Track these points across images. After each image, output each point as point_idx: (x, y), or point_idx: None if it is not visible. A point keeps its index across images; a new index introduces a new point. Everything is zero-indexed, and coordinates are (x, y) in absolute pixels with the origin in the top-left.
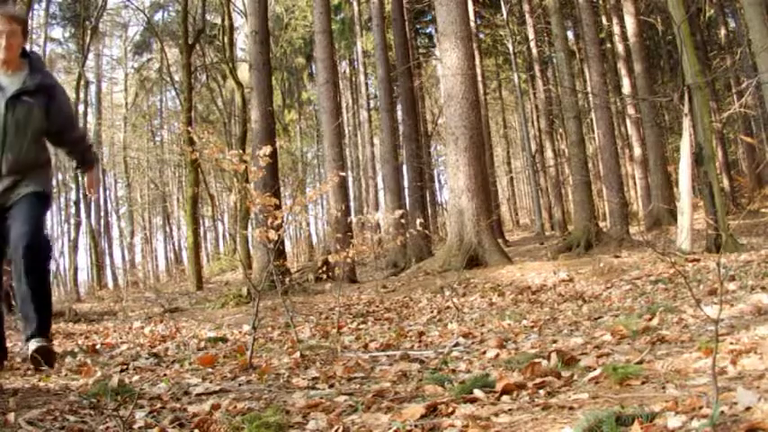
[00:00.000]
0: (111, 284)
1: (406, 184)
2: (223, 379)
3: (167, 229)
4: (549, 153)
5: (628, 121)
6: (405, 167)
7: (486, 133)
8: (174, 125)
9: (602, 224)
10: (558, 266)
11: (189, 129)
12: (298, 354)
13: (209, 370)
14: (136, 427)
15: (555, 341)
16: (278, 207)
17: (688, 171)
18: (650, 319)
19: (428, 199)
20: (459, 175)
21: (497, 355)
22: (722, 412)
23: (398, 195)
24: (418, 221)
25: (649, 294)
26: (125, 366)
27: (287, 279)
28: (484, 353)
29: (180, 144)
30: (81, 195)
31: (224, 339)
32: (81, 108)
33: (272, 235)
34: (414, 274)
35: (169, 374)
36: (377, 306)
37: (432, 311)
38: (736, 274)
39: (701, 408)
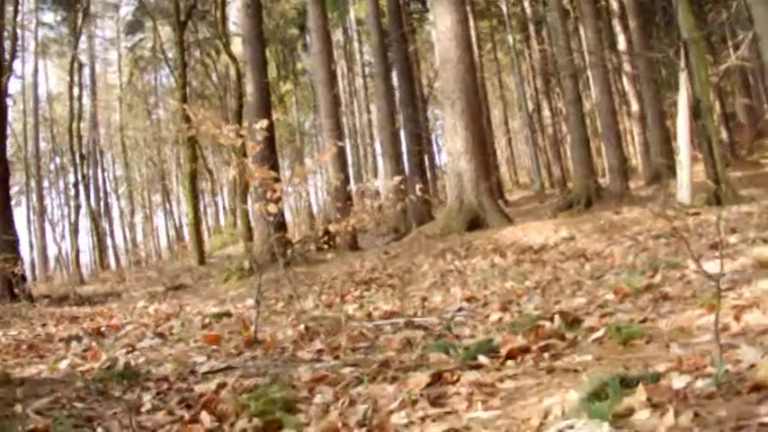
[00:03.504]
0: (113, 265)
1: (404, 149)
2: (228, 356)
3: (167, 206)
4: (546, 112)
5: (624, 78)
6: (402, 133)
7: (483, 95)
8: (170, 103)
9: (601, 180)
10: (558, 225)
11: (184, 106)
12: (302, 326)
13: (215, 347)
14: (143, 410)
15: (558, 302)
16: (277, 180)
17: (686, 125)
18: (653, 276)
19: (427, 163)
20: (457, 138)
21: (501, 319)
22: (726, 371)
23: (397, 161)
24: (418, 187)
25: (651, 250)
26: (131, 348)
27: (288, 250)
28: (487, 316)
29: (176, 121)
30: (80, 178)
31: (228, 314)
32: (76, 91)
33: (272, 208)
34: (415, 239)
35: (175, 354)
36: (379, 273)
37: (434, 276)
38: (737, 227)
39: (704, 367)
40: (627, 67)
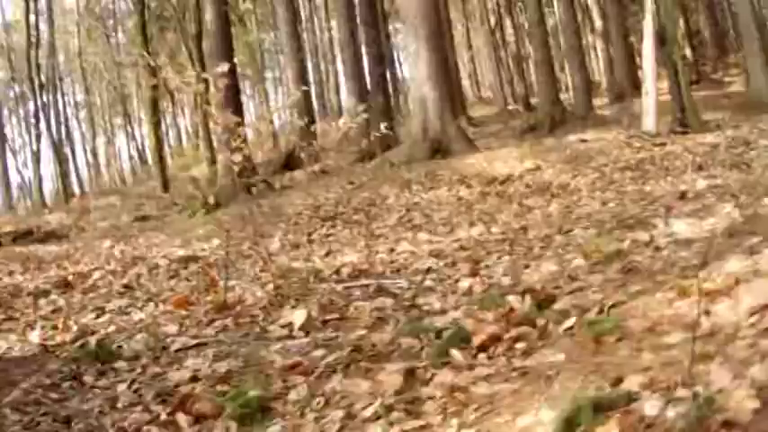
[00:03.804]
0: (77, 191)
1: (366, 69)
2: (199, 325)
3: (129, 129)
4: (509, 30)
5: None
6: (364, 52)
7: (444, 8)
8: (129, 25)
9: (564, 96)
10: (524, 154)
11: (145, 54)
12: (270, 286)
13: (184, 313)
14: (119, 405)
15: (527, 266)
16: (240, 125)
17: (652, 52)
18: (621, 240)
19: (390, 84)
20: (420, 63)
21: (471, 288)
22: (695, 394)
23: (359, 81)
24: (383, 126)
25: (617, 183)
26: (100, 311)
27: (252, 179)
28: (457, 281)
29: (135, 44)
30: (40, 106)
31: (195, 259)
32: (32, 18)
33: (237, 157)
34: (379, 166)
35: (145, 320)
36: (344, 206)
37: (399, 210)
38: (704, 162)
39: (677, 386)
40: None
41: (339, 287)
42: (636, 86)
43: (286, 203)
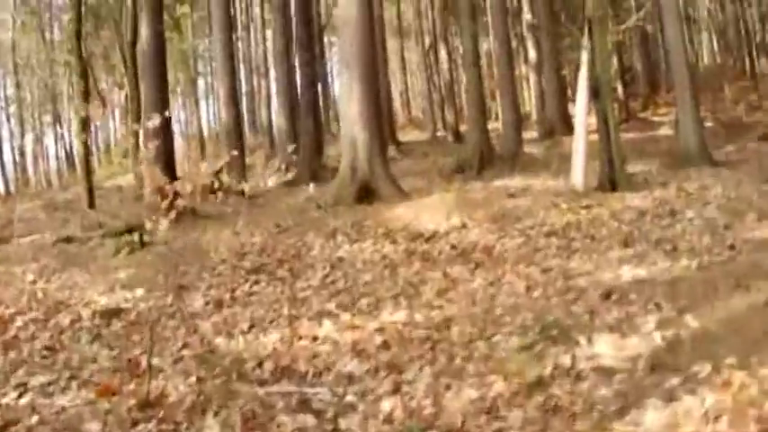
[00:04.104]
0: (2, 189)
1: (299, 88)
2: (122, 426)
3: (58, 128)
4: (443, 54)
5: (524, 23)
6: (298, 72)
7: (380, 26)
8: (65, 21)
9: (494, 126)
10: (450, 210)
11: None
12: (194, 378)
13: (107, 406)
14: None
15: (449, 387)
16: (173, 180)
17: (585, 106)
18: (543, 359)
19: (322, 100)
20: (353, 103)
21: (392, 413)
22: None
23: (290, 101)
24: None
25: (543, 250)
26: (23, 388)
27: (177, 201)
28: (379, 398)
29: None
30: None
31: (118, 313)
32: None
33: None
34: (306, 206)
35: (66, 413)
36: (269, 254)
37: (324, 266)
38: (629, 236)
39: None
40: (527, 15)
41: (262, 391)
42: (566, 122)
43: (211, 244)
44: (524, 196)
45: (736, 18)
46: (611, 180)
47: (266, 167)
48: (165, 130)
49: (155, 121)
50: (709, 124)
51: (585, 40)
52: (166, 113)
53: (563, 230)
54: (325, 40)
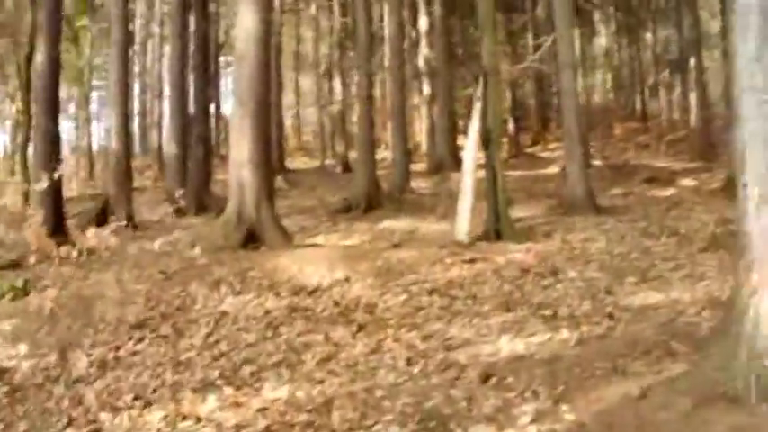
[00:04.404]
0: None
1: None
2: None
3: None
4: (337, 85)
5: (420, 56)
6: (192, 98)
7: (277, 51)
8: None
9: (384, 155)
10: (333, 262)
11: None
12: None
13: None
14: None
15: None
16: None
17: (473, 153)
18: None
19: (214, 123)
20: (244, 143)
21: None
22: None
23: (182, 125)
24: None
25: (425, 310)
26: None
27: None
28: None
29: None
30: None
31: (1, 373)
32: None
33: None
34: (191, 245)
35: None
36: (153, 307)
37: (208, 322)
38: (510, 299)
39: None
40: (425, 49)
41: None
42: (455, 158)
43: (96, 291)
44: (409, 246)
45: (631, 59)
46: (495, 229)
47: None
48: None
49: (42, 184)
50: (597, 162)
51: (479, 91)
52: (56, 175)
53: (446, 287)
54: (222, 59)
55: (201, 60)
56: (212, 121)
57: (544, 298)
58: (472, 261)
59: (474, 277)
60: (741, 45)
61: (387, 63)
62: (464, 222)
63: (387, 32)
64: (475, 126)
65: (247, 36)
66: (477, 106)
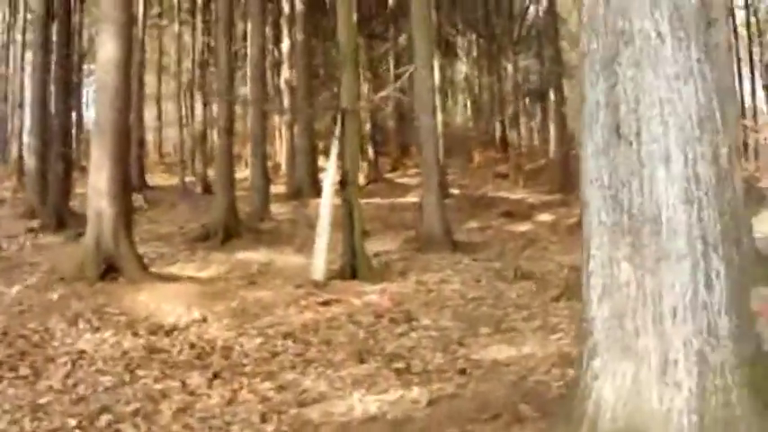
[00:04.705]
0: None
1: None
2: None
3: None
4: (198, 105)
5: (282, 77)
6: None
7: (140, 62)
8: None
9: (243, 175)
10: (191, 300)
11: None
12: None
13: None
14: None
15: None
16: None
17: (331, 192)
18: None
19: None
20: (103, 174)
21: None
22: None
23: (43, 138)
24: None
25: (281, 355)
26: None
27: None
28: None
29: None
30: None
31: None
32: None
33: None
34: (48, 275)
35: None
36: (11, 344)
37: (65, 362)
38: (363, 349)
39: None
40: (286, 72)
41: None
42: (314, 183)
43: None
44: (265, 283)
45: (491, 86)
46: (351, 267)
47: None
48: None
49: None
50: (455, 191)
51: (337, 131)
52: None
53: (301, 331)
54: (85, 67)
55: (63, 74)
56: (74, 129)
57: (398, 347)
58: (327, 303)
59: (329, 321)
60: (588, 139)
61: (248, 86)
62: (320, 261)
63: (249, 53)
64: (332, 166)
65: (108, 65)
66: (335, 146)
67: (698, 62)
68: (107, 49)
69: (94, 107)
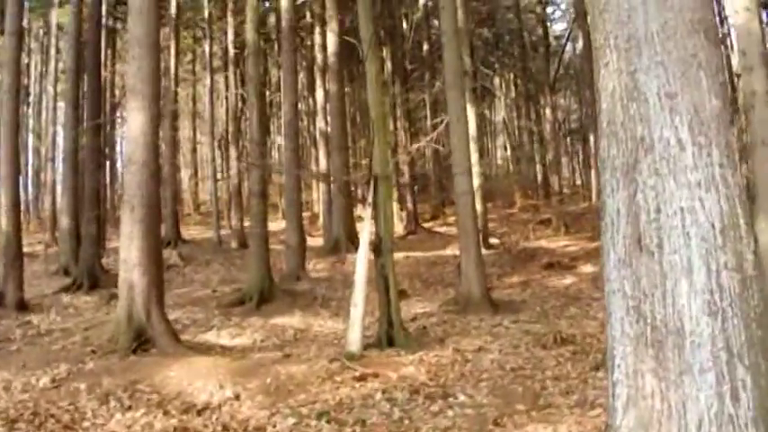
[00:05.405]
0: None
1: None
2: None
3: None
4: (233, 155)
5: (317, 128)
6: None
7: (173, 117)
8: None
9: (280, 227)
10: (224, 375)
11: None
12: None
13: None
14: None
15: None
16: None
17: (365, 261)
18: None
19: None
20: (133, 247)
21: None
22: None
23: (75, 198)
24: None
25: None
26: None
27: None
28: None
29: None
30: None
31: None
32: None
33: None
34: (83, 345)
35: None
36: (40, 425)
37: None
38: (398, 426)
39: None
40: (320, 122)
41: None
42: (351, 238)
43: None
44: (300, 355)
45: (530, 128)
46: (388, 336)
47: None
48: None
49: None
50: (496, 241)
51: (370, 196)
52: None
53: (335, 410)
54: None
55: (94, 136)
56: (108, 180)
57: (433, 429)
58: (362, 378)
59: (364, 399)
60: (610, 247)
61: (281, 140)
62: (356, 333)
63: (283, 109)
64: (366, 232)
65: (136, 140)
66: (368, 212)
67: (720, 167)
68: (136, 122)
69: (125, 179)
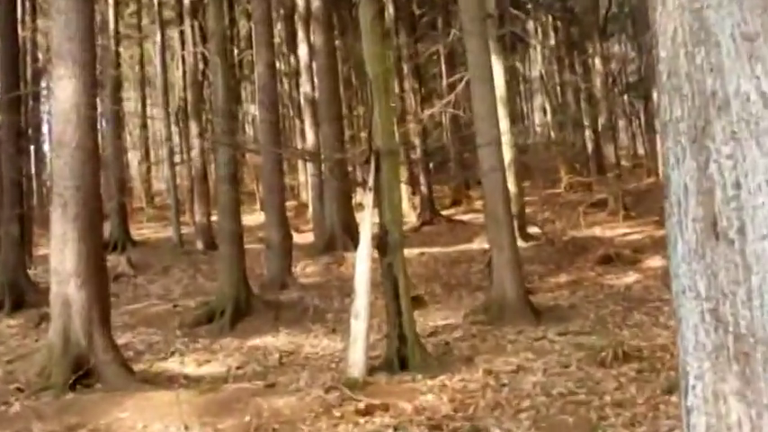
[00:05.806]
0: None
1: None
2: None
3: None
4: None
5: (302, 101)
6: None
7: (115, 85)
8: None
9: (257, 218)
10: (189, 419)
11: None
12: None
13: None
14: None
15: None
16: None
17: (367, 261)
18: None
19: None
20: (67, 252)
21: None
22: None
23: None
24: None
25: None
26: None
27: None
28: None
29: None
30: None
31: None
32: None
33: None
34: (4, 385)
35: None
36: None
37: None
38: None
39: None
40: (305, 86)
41: None
42: (349, 232)
43: None
44: (288, 384)
45: (576, 84)
46: (400, 356)
47: None
48: None
49: None
50: (536, 230)
51: (370, 179)
52: None
53: None
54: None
55: (14, 103)
56: (32, 165)
57: None
58: (368, 412)
59: None
60: (677, 235)
61: (255, 110)
62: (358, 354)
63: (256, 71)
64: (367, 224)
65: (67, 116)
66: (369, 199)
67: None
68: (65, 93)
69: (52, 166)
